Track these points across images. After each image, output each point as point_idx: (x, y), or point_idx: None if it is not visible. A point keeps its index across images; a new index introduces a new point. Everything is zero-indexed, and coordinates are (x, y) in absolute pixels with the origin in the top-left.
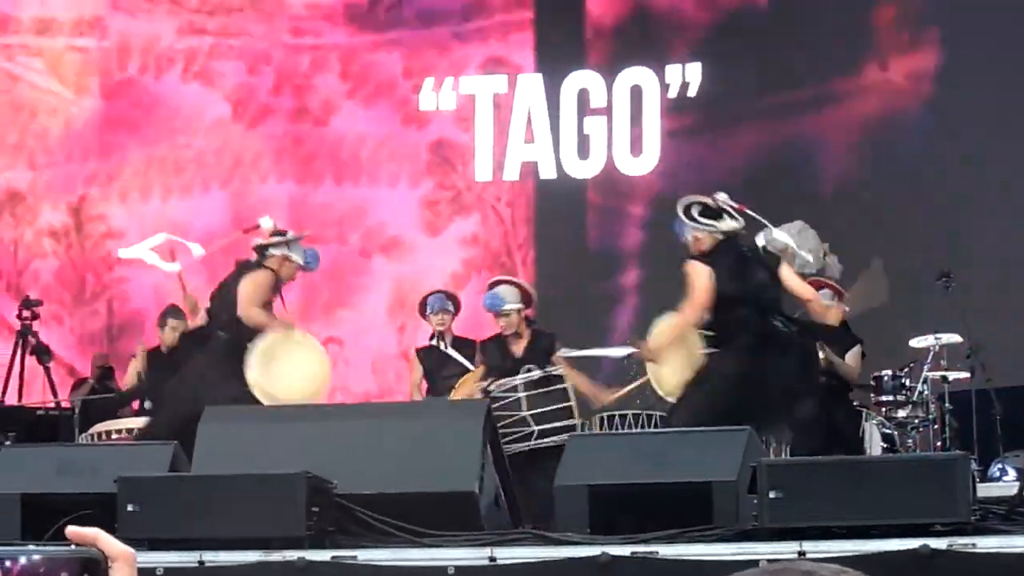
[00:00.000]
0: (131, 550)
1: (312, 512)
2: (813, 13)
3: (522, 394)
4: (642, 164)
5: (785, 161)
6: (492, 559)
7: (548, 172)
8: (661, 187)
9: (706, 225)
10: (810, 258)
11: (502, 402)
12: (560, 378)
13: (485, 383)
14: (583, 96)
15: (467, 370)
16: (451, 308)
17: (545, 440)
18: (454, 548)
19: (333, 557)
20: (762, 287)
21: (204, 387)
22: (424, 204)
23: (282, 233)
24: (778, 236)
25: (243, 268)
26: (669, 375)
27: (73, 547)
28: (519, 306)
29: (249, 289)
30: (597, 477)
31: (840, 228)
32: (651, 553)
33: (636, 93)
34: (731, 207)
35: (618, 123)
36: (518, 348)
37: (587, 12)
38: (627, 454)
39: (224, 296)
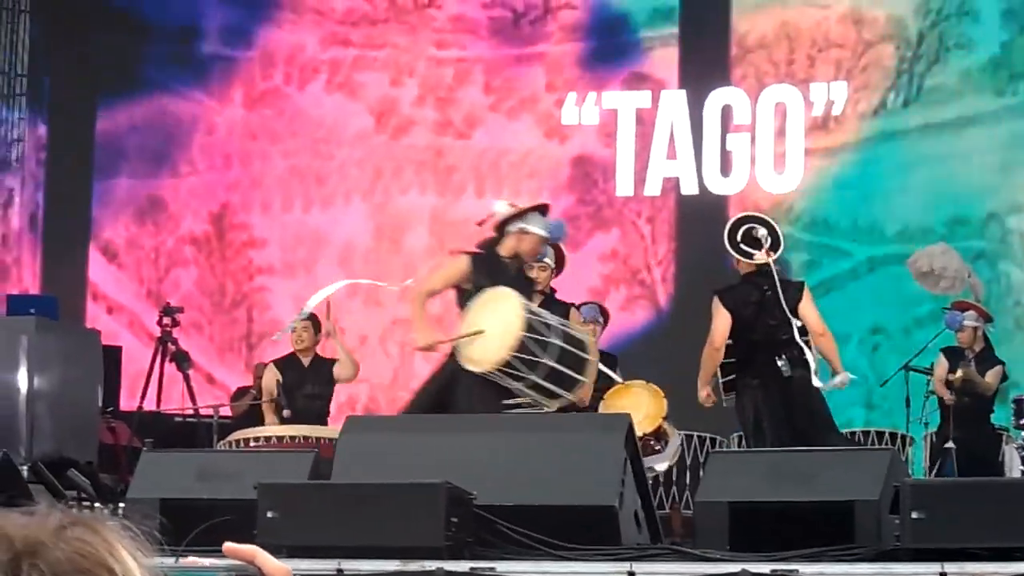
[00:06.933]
0: (288, 568)
1: (451, 522)
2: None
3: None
4: (785, 182)
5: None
6: (631, 574)
7: (690, 188)
8: (804, 205)
9: (743, 254)
10: (954, 281)
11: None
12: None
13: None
14: (726, 112)
15: (613, 381)
16: (601, 320)
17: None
18: (593, 562)
19: (472, 568)
20: (775, 328)
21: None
22: (565, 218)
23: (517, 210)
24: (921, 259)
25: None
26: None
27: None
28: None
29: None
30: (738, 494)
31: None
32: (791, 571)
33: (780, 111)
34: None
35: (761, 140)
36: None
37: (732, 29)
38: (768, 472)
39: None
